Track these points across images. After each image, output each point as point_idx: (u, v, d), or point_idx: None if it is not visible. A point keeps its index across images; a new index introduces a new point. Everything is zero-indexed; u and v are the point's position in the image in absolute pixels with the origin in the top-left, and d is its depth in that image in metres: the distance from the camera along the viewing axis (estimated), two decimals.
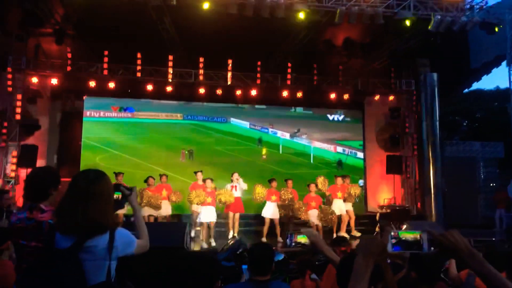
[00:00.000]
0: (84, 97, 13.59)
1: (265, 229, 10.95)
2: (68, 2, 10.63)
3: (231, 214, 10.83)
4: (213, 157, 14.25)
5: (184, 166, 13.75)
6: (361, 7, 10.42)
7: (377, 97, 15.02)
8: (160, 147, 14.24)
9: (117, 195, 2.51)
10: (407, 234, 1.65)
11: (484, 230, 12.89)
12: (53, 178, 2.92)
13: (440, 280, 3.66)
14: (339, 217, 11.28)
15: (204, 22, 10.70)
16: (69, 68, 12.75)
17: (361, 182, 13.36)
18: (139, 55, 13.06)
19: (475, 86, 23.97)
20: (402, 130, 14.98)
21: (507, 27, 12.44)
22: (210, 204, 10.33)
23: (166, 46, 12.39)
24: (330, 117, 15.32)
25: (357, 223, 11.84)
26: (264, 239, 10.61)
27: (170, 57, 13.15)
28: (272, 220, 10.99)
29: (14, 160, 12.21)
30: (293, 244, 3.32)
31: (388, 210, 13.03)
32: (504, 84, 27.80)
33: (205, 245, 9.96)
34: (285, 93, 14.13)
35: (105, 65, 12.95)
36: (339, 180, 11.60)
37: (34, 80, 12.69)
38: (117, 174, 10.65)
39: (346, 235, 10.46)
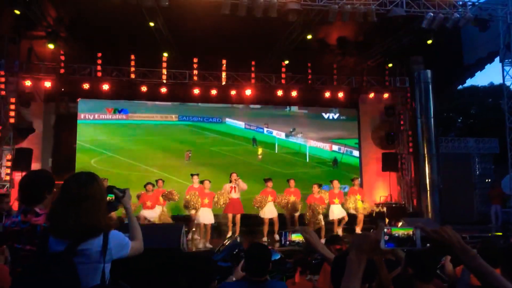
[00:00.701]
0: (78, 100, 13.54)
1: (265, 229, 11.00)
2: (60, 4, 10.58)
3: (230, 215, 10.82)
4: (209, 158, 14.24)
5: (179, 167, 13.72)
6: (354, 5, 10.43)
7: (371, 95, 15.06)
8: (156, 148, 14.20)
9: (110, 197, 2.51)
10: (400, 231, 1.65)
11: (479, 226, 12.95)
12: (47, 181, 2.90)
13: (437, 276, 3.67)
14: (340, 220, 11.24)
15: (197, 23, 10.69)
16: (62, 71, 12.70)
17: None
18: (132, 57, 13.04)
19: (469, 82, 24.19)
20: (397, 127, 15.03)
21: (499, 23, 12.50)
22: (207, 205, 10.32)
23: (160, 47, 12.37)
24: (325, 116, 15.34)
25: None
26: (265, 239, 10.67)
27: (164, 58, 13.13)
28: (271, 219, 11.02)
29: (9, 163, 12.15)
30: (288, 243, 3.32)
31: (384, 208, 13.06)
32: (497, 80, 27.97)
33: (200, 246, 9.92)
34: (279, 93, 14.14)
35: (99, 67, 12.92)
36: (336, 184, 11.54)
37: (28, 83, 12.63)
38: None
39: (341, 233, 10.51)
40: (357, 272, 1.56)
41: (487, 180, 16.61)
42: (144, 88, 13.36)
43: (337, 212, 11.23)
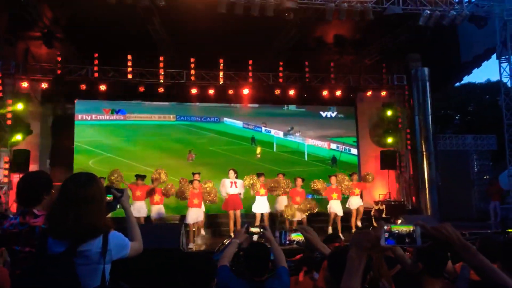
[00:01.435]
0: (75, 101, 13.51)
1: (256, 223, 10.96)
2: (56, 5, 10.55)
3: (231, 213, 10.81)
4: (207, 158, 14.23)
5: (178, 167, 13.69)
6: (351, 4, 10.44)
7: (369, 93, 15.06)
8: (154, 148, 14.19)
9: (108, 198, 2.50)
10: (400, 228, 1.65)
11: (478, 223, 12.99)
12: (45, 182, 2.90)
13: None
14: (335, 217, 11.32)
15: (194, 22, 10.67)
16: (59, 72, 12.67)
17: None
18: (129, 57, 13.00)
19: (466, 79, 24.22)
20: (395, 125, 15.03)
21: (496, 20, 12.52)
22: (197, 205, 10.31)
23: (157, 47, 12.34)
24: (323, 114, 15.35)
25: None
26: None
27: (161, 58, 13.12)
28: (262, 215, 11.04)
29: (7, 165, 12.11)
30: (287, 242, 3.32)
31: (383, 206, 13.08)
32: (495, 77, 28.03)
33: (191, 246, 9.88)
34: (277, 91, 14.13)
35: (96, 68, 12.89)
36: (333, 180, 11.58)
37: (24, 84, 12.59)
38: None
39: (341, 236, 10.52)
40: (358, 269, 1.56)
41: (485, 177, 16.64)
42: (141, 88, 13.33)
43: (334, 206, 11.33)
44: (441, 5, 11.11)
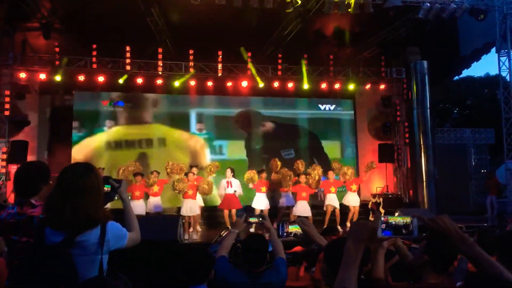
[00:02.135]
0: (73, 92, 13.46)
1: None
2: None
3: (226, 211, 10.84)
4: None
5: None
6: None
7: (368, 86, 15.02)
8: None
9: (106, 188, 2.50)
10: (397, 219, 1.66)
11: (476, 217, 13.03)
12: (42, 172, 2.88)
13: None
14: (333, 211, 11.31)
15: (193, 14, 10.62)
16: (57, 63, 12.61)
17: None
18: (128, 48, 12.95)
19: (465, 73, 24.15)
20: (393, 118, 15.03)
21: (496, 14, 12.49)
22: (191, 196, 10.32)
23: (155, 39, 12.29)
24: (322, 107, 15.30)
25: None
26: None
27: (160, 50, 13.06)
28: (261, 211, 10.99)
29: (4, 156, 12.11)
30: (285, 234, 3.32)
31: (381, 199, 13.10)
32: (494, 70, 27.93)
33: (185, 236, 9.83)
34: (276, 84, 14.09)
35: (94, 59, 12.84)
36: (331, 174, 11.58)
37: (22, 75, 12.54)
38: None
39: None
40: (355, 260, 1.56)
41: (483, 171, 16.68)
42: (140, 80, 13.28)
43: (332, 200, 11.32)
44: None
